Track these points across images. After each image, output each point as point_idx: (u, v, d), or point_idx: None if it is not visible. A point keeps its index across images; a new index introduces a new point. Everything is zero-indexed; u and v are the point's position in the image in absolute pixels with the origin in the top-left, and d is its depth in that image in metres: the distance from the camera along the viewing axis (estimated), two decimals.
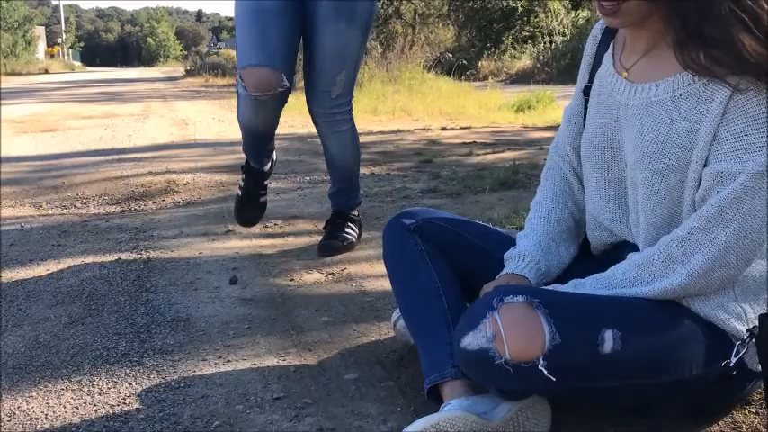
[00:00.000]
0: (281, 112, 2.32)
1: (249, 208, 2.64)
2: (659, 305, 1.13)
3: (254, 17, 2.17)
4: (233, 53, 25.86)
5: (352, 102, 2.41)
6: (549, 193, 1.38)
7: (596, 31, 1.33)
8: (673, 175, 1.13)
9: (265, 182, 2.66)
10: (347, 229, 2.51)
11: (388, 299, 1.93)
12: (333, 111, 2.34)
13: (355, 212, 2.59)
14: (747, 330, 1.13)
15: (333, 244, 2.46)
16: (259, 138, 2.43)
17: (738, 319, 1.15)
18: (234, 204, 2.70)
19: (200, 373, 1.57)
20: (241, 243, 2.62)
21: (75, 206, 3.40)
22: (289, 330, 1.79)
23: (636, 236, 1.23)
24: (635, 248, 1.23)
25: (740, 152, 1.06)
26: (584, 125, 1.32)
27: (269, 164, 2.64)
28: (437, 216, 1.42)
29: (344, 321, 1.84)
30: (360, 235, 2.55)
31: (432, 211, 1.46)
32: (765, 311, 1.16)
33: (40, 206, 3.42)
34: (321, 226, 2.84)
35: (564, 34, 14.40)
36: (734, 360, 1.12)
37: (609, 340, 1.06)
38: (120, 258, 2.45)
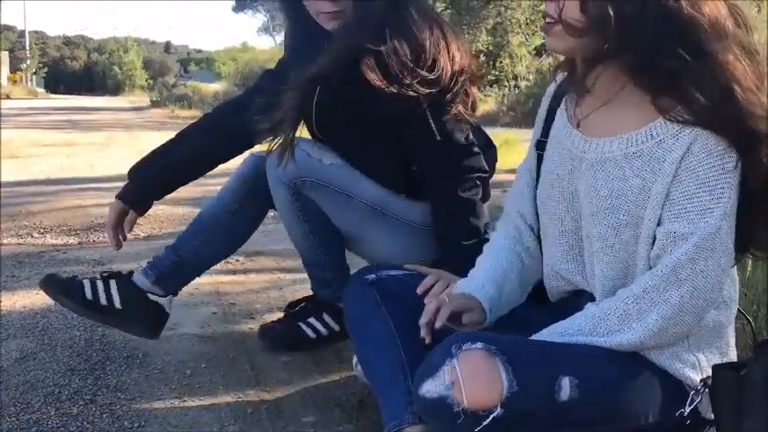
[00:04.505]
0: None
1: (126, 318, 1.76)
2: (616, 353, 1.14)
3: None
4: (200, 85, 25.75)
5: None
6: (499, 237, 1.41)
7: (551, 89, 1.37)
8: (627, 231, 1.16)
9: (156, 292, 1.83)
10: (311, 321, 1.88)
11: (348, 340, 1.92)
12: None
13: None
14: (701, 380, 1.15)
15: (273, 331, 1.89)
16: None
17: (693, 369, 1.17)
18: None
19: (156, 412, 1.53)
20: (201, 279, 2.55)
21: (31, 236, 3.34)
22: (247, 370, 1.77)
23: (592, 286, 1.25)
24: (592, 297, 1.25)
25: (692, 213, 1.10)
26: (537, 178, 1.35)
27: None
28: (396, 268, 1.45)
29: (304, 362, 1.82)
30: (334, 333, 1.88)
31: (393, 266, 1.48)
32: (719, 361, 1.19)
33: None
34: (284, 263, 2.82)
35: (528, 79, 14.70)
36: (688, 409, 1.14)
37: (566, 388, 1.07)
38: None
